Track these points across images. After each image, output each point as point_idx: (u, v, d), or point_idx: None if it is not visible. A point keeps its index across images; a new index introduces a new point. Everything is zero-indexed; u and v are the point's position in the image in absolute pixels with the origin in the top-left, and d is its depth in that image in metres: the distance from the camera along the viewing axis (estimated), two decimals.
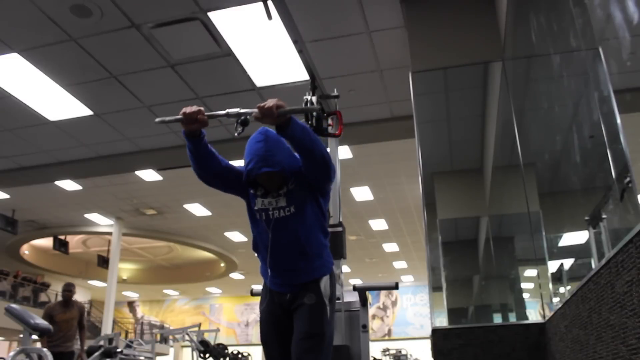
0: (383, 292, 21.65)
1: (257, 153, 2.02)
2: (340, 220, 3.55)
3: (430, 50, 4.77)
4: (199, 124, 1.96)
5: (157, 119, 2.05)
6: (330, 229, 3.33)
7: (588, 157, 2.82)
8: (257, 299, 2.28)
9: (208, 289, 22.41)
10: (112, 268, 14.06)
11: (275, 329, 2.14)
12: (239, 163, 2.21)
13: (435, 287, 4.30)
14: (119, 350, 6.65)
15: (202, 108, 1.95)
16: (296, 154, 2.07)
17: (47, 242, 15.20)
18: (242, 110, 1.95)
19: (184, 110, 1.94)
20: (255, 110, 1.88)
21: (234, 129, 1.96)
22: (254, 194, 2.13)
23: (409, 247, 15.85)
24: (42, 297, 17.73)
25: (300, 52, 5.37)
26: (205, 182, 2.15)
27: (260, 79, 6.25)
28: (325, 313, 2.07)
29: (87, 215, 13.31)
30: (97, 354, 6.37)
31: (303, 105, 2.89)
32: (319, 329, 2.04)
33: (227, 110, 1.97)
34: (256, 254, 2.20)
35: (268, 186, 2.09)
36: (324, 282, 2.11)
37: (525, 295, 4.49)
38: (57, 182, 10.45)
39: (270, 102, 1.84)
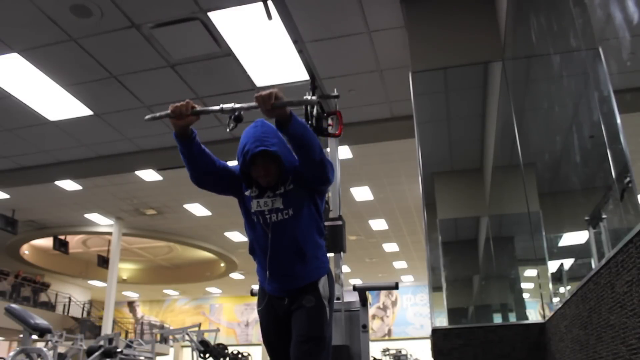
0: (383, 292, 21.64)
1: (252, 135, 1.96)
2: (340, 214, 3.55)
3: (430, 50, 4.77)
4: (189, 119, 1.90)
5: (147, 116, 1.98)
6: (329, 223, 3.34)
7: (588, 157, 2.82)
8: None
9: (208, 289, 22.41)
10: (112, 268, 14.06)
11: (276, 329, 2.11)
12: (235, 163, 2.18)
13: (435, 287, 4.30)
14: (119, 350, 6.65)
15: (190, 101, 1.89)
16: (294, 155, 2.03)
17: (47, 242, 15.20)
18: (237, 105, 1.87)
19: (172, 105, 1.88)
20: (252, 104, 1.82)
21: (227, 125, 1.89)
22: (249, 196, 2.06)
23: (409, 247, 15.85)
24: (42, 297, 17.75)
25: (300, 52, 5.38)
26: (198, 183, 2.07)
27: (260, 79, 6.25)
28: (324, 315, 2.03)
29: (87, 215, 13.31)
30: (97, 354, 6.36)
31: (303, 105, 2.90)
32: (319, 331, 1.99)
33: (222, 105, 1.88)
34: (253, 257, 2.15)
35: (264, 177, 1.99)
36: (322, 283, 2.07)
37: (525, 295, 4.49)
38: (57, 182, 10.45)
39: (268, 90, 1.79)
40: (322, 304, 2.04)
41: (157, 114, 1.94)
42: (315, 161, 1.93)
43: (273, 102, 1.78)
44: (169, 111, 1.89)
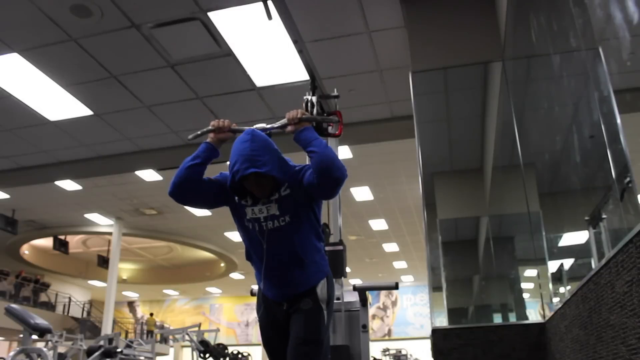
0: (383, 292, 21.65)
1: (242, 153, 1.90)
2: (341, 238, 3.54)
3: (430, 50, 4.77)
4: (227, 134, 2.09)
5: (190, 136, 2.21)
6: (330, 248, 3.31)
7: (588, 157, 2.82)
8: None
9: (208, 289, 22.41)
10: (112, 268, 14.06)
11: (276, 333, 2.11)
12: None
13: (435, 287, 4.30)
14: (119, 350, 6.64)
15: (229, 121, 2.12)
16: (288, 158, 2.03)
17: (47, 242, 15.20)
18: (268, 125, 2.09)
19: (213, 121, 2.10)
20: (283, 121, 2.03)
21: None
22: (243, 204, 2.02)
23: (409, 247, 15.85)
24: (42, 297, 17.75)
25: (300, 52, 5.36)
26: (181, 195, 2.05)
27: (260, 79, 6.25)
28: (321, 318, 2.02)
29: (87, 215, 13.31)
30: (97, 354, 6.36)
31: (303, 105, 2.93)
32: (315, 335, 1.99)
33: (255, 126, 2.09)
34: (250, 263, 2.13)
35: (257, 192, 1.96)
36: (321, 286, 2.06)
37: (525, 295, 4.49)
38: (57, 182, 10.45)
39: (295, 110, 2.03)
40: (319, 307, 2.03)
41: (199, 131, 2.16)
42: (330, 176, 1.89)
43: (300, 116, 2.00)
44: (210, 127, 2.10)
